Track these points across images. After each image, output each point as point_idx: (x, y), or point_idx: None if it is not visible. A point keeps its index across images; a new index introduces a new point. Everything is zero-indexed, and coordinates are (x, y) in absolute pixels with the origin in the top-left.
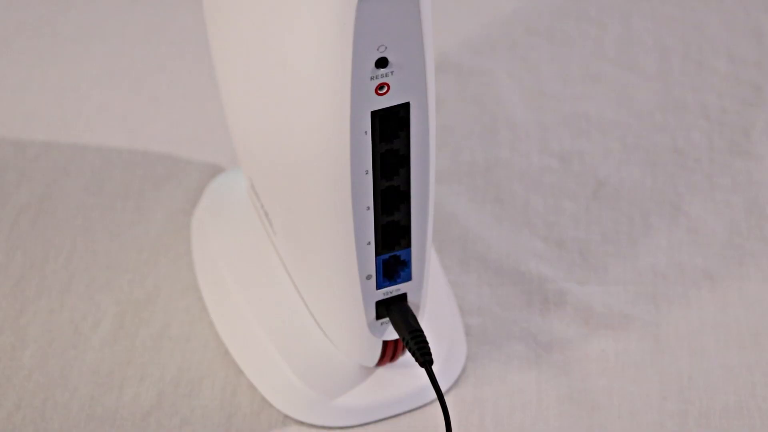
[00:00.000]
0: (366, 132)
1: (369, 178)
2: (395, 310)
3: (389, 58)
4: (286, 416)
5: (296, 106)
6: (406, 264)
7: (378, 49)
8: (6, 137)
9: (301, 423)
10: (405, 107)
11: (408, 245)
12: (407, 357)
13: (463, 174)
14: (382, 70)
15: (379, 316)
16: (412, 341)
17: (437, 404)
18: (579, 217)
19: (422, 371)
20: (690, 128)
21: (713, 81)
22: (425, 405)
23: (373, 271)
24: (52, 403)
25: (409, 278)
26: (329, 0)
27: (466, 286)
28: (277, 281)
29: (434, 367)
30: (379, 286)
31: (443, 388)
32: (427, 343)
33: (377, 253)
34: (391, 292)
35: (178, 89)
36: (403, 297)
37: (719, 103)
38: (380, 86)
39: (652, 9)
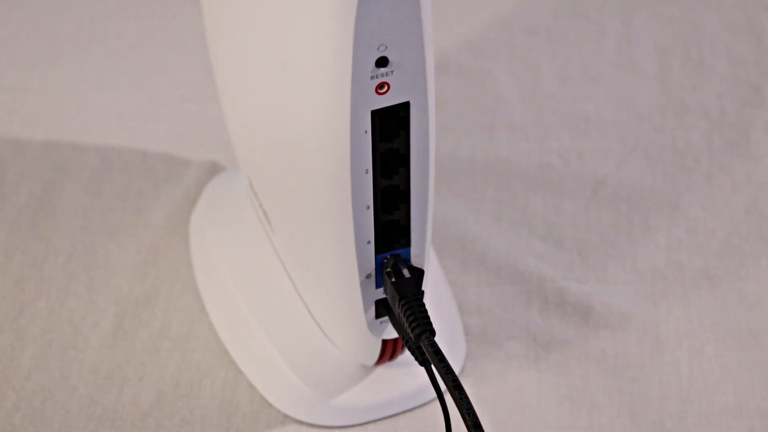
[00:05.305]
0: (366, 131)
1: (369, 177)
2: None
3: (389, 58)
4: (285, 416)
5: (296, 105)
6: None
7: (378, 49)
8: (6, 137)
9: (301, 422)
10: (405, 106)
11: (407, 244)
12: (407, 356)
13: (462, 173)
14: (382, 69)
15: (378, 315)
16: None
17: (437, 403)
18: (578, 217)
19: (422, 370)
20: (690, 128)
21: (713, 81)
22: (425, 404)
23: (372, 270)
24: (51, 403)
25: None
26: (330, 0)
27: (465, 286)
28: (276, 281)
29: (434, 367)
30: (378, 285)
31: (443, 388)
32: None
33: (377, 252)
34: None
35: (177, 89)
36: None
37: (719, 103)
38: (380, 85)
39: (652, 9)
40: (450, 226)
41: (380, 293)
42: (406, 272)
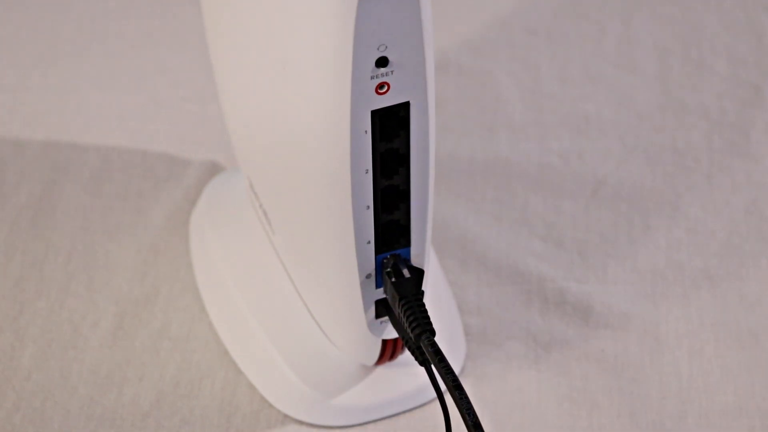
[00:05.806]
0: (366, 131)
1: (369, 177)
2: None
3: (389, 58)
4: (285, 416)
5: (296, 105)
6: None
7: (378, 49)
8: (6, 137)
9: (301, 422)
10: (405, 106)
11: (407, 244)
12: (407, 356)
13: (462, 173)
14: (382, 69)
15: (378, 315)
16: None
17: (437, 403)
18: (578, 217)
19: (422, 370)
20: (690, 128)
21: (713, 81)
22: (425, 404)
23: (372, 270)
24: (51, 403)
25: None
26: (330, 0)
27: (465, 286)
28: (276, 281)
29: (434, 367)
30: (378, 285)
31: (443, 388)
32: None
33: (377, 252)
34: None
35: (177, 89)
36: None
37: (719, 103)
38: (380, 85)
39: (652, 9)
40: (450, 226)
41: (380, 293)
42: (406, 272)
